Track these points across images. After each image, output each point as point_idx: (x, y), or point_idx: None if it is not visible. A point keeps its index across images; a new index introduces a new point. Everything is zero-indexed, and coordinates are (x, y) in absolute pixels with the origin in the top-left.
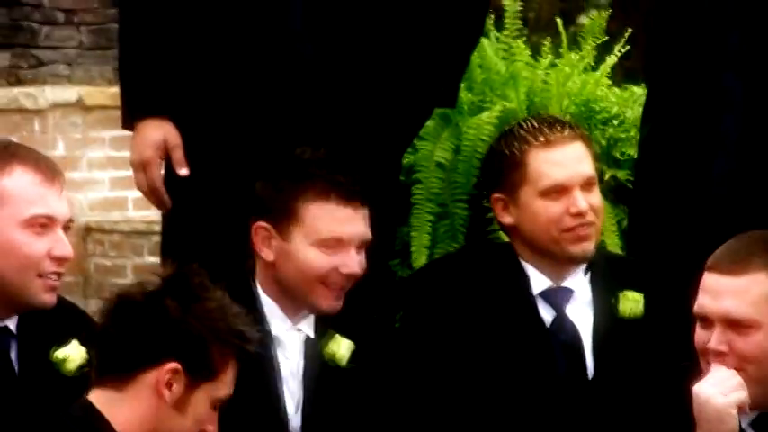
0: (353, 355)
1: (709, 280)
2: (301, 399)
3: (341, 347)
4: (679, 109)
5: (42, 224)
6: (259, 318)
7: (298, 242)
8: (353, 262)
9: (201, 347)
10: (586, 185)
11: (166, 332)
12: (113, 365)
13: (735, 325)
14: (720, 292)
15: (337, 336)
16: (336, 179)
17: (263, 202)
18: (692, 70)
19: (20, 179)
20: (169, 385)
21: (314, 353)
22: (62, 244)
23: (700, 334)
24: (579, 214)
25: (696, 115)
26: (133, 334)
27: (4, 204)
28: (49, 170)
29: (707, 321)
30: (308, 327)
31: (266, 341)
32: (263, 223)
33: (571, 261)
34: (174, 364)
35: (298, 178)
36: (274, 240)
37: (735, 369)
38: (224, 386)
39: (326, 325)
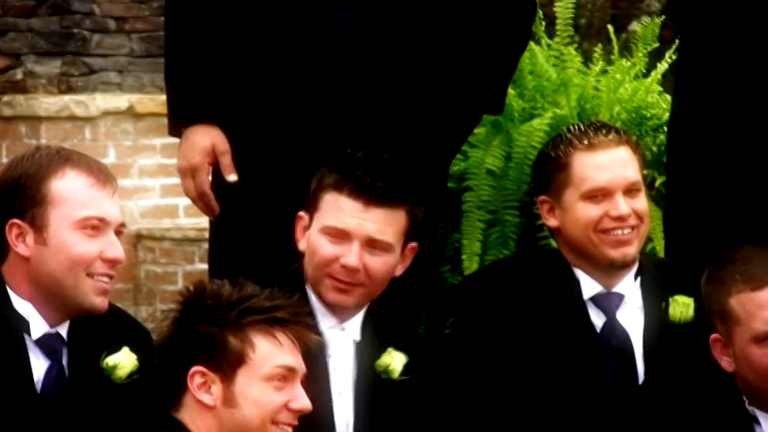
0: (406, 367)
1: None
2: (352, 408)
3: (394, 360)
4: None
5: (94, 226)
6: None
7: (314, 228)
8: (352, 255)
9: (214, 343)
10: (630, 190)
11: (180, 346)
12: (166, 396)
13: None
14: None
15: (391, 348)
16: (354, 173)
17: (311, 192)
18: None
19: (72, 182)
20: (207, 388)
21: (366, 362)
22: (114, 246)
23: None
24: (620, 218)
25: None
26: (160, 365)
27: (57, 206)
28: (102, 174)
29: None
30: (353, 329)
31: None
32: (301, 213)
33: (612, 265)
34: (195, 369)
35: (331, 167)
36: (307, 230)
37: None
38: (265, 361)
39: (376, 333)
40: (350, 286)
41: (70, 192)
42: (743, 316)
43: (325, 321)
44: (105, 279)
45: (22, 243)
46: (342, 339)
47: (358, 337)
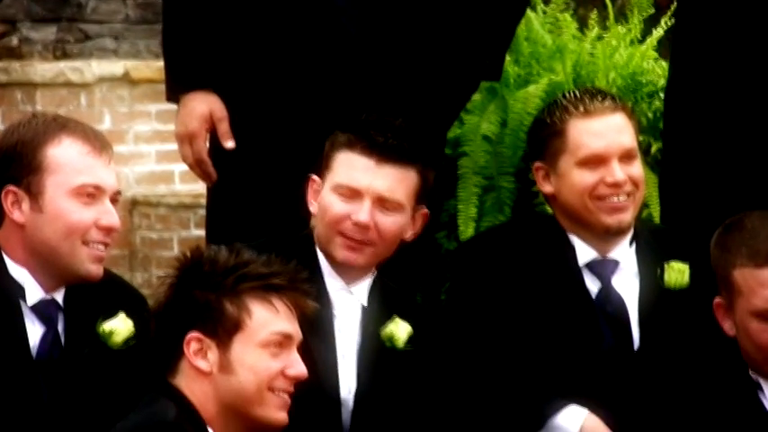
0: (410, 337)
1: None
2: (355, 373)
3: (399, 329)
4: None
5: (90, 194)
6: (319, 278)
7: (326, 187)
8: (363, 212)
9: (210, 309)
10: (625, 157)
11: (177, 312)
12: (162, 362)
13: None
14: None
15: (397, 318)
16: (367, 132)
17: (323, 155)
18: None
19: (69, 149)
20: (203, 354)
21: (372, 329)
22: (110, 214)
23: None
24: (615, 185)
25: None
26: (156, 332)
27: (53, 173)
28: (98, 141)
29: None
30: (361, 293)
31: (324, 300)
32: (314, 175)
33: (607, 232)
34: (191, 335)
35: (344, 128)
36: (319, 191)
37: None
38: (261, 327)
39: (382, 300)
40: (360, 245)
41: (66, 159)
42: (745, 290)
43: (333, 283)
44: (101, 247)
45: (18, 210)
46: (349, 303)
47: (365, 302)
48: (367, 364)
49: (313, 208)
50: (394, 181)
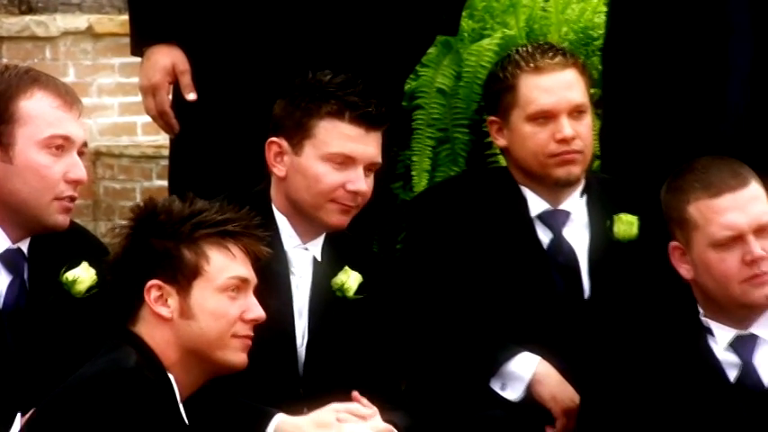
0: (361, 286)
1: (728, 200)
2: (307, 325)
3: (349, 278)
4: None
5: (59, 146)
6: (275, 235)
7: (309, 156)
8: (360, 180)
9: (169, 257)
10: (575, 112)
11: (136, 261)
12: (123, 311)
13: (764, 229)
14: (744, 204)
15: (347, 268)
16: (352, 100)
17: (280, 120)
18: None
19: (40, 102)
20: (164, 301)
21: (323, 280)
22: (77, 168)
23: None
24: (564, 140)
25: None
26: (116, 281)
27: (24, 124)
28: (68, 96)
29: (738, 238)
30: (315, 247)
31: (281, 256)
32: (276, 139)
33: (557, 184)
34: (151, 282)
35: (316, 96)
36: (286, 156)
37: None
38: (219, 272)
39: (334, 252)
40: (352, 208)
41: (37, 111)
42: (701, 222)
43: (290, 242)
44: (69, 200)
45: None
46: (304, 258)
47: (319, 256)
48: (317, 313)
49: (279, 172)
50: (378, 146)
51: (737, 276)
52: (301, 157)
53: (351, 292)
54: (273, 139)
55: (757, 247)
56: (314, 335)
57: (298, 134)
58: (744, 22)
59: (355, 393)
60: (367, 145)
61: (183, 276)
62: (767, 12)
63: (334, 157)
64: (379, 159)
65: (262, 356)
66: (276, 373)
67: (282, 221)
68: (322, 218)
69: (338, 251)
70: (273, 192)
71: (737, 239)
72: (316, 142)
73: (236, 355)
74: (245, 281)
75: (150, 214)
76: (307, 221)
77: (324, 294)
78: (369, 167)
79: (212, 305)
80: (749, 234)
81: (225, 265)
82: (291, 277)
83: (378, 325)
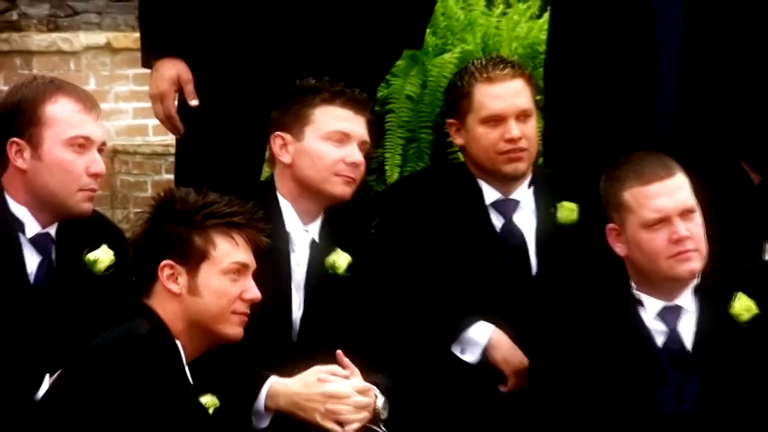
0: (350, 266)
1: (657, 187)
2: (303, 297)
3: (340, 258)
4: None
5: (81, 144)
6: (279, 218)
7: (311, 139)
8: (357, 154)
9: (182, 241)
10: (522, 116)
11: (152, 243)
12: (139, 286)
13: (687, 212)
14: (671, 191)
15: (339, 249)
16: (340, 89)
17: (279, 119)
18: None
19: (64, 106)
20: (174, 279)
21: (319, 259)
22: (97, 162)
23: (660, 235)
24: (511, 140)
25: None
26: (134, 259)
27: (51, 126)
28: (88, 101)
29: (665, 220)
30: (314, 230)
31: (284, 237)
32: (279, 133)
33: (506, 177)
34: (164, 262)
35: (309, 92)
36: (290, 145)
37: (694, 248)
38: (224, 257)
39: (330, 235)
40: (353, 180)
41: (62, 114)
42: (634, 206)
43: (293, 224)
44: (90, 190)
45: (21, 158)
46: (304, 239)
47: (317, 237)
48: (311, 288)
49: (286, 158)
50: (365, 128)
51: (665, 253)
52: (304, 142)
53: (341, 270)
54: (277, 133)
55: (682, 227)
56: (308, 306)
57: (298, 124)
58: (673, 39)
59: (339, 352)
60: (358, 124)
61: (192, 258)
62: (693, 29)
63: (332, 135)
64: (368, 139)
65: (262, 323)
66: (273, 338)
67: (286, 206)
68: (329, 190)
69: (333, 233)
70: (278, 180)
71: (665, 221)
72: (315, 126)
73: (234, 329)
74: (245, 266)
75: (168, 203)
76: (310, 202)
77: (318, 271)
78: (361, 145)
79: (216, 285)
80: (675, 216)
81: (229, 251)
82: (292, 255)
83: (362, 298)
